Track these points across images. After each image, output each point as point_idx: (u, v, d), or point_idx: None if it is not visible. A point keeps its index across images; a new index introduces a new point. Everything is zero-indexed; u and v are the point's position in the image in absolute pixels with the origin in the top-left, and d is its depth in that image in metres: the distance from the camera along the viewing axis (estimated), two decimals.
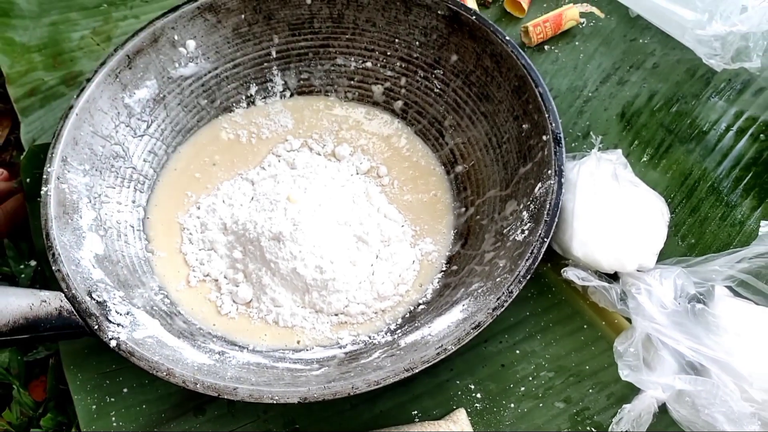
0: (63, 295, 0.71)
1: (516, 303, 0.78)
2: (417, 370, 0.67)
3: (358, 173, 0.90)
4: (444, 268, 0.83)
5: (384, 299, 0.80)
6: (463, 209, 0.87)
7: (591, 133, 0.88)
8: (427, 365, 0.67)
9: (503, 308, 0.69)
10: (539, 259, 0.71)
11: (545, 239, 0.72)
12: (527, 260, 0.71)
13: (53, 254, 0.73)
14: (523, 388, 0.74)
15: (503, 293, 0.70)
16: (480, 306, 0.72)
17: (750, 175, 0.84)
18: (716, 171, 0.84)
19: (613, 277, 0.77)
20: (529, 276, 0.70)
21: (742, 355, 0.66)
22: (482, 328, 0.68)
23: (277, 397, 0.66)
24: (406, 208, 0.87)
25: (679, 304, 0.71)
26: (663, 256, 0.79)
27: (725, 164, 0.84)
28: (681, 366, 0.68)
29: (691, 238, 0.81)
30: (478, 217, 0.84)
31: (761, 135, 0.85)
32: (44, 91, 1.00)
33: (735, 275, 0.74)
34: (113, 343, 0.68)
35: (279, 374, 0.72)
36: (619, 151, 0.81)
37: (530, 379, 0.75)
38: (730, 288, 0.74)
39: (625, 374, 0.69)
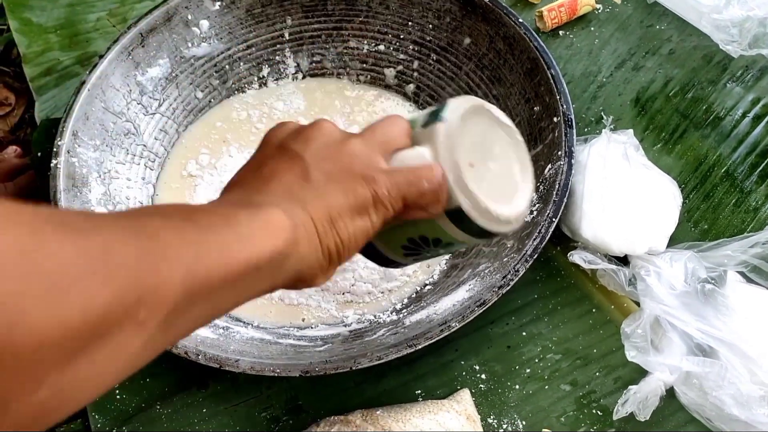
0: None
1: (524, 285, 0.78)
2: (420, 347, 0.66)
3: None
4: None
5: (391, 279, 0.80)
6: None
7: (602, 114, 0.87)
8: (431, 342, 0.66)
9: (509, 287, 0.68)
10: (546, 239, 0.70)
11: (553, 219, 0.71)
12: (534, 240, 0.71)
13: None
14: (528, 370, 0.73)
15: (509, 272, 0.69)
16: (486, 285, 0.71)
17: (766, 161, 0.82)
18: (731, 157, 0.83)
19: (624, 261, 0.76)
20: (535, 255, 0.70)
21: (751, 337, 0.65)
22: (487, 306, 0.68)
23: (278, 370, 0.66)
24: None
25: (689, 286, 0.69)
26: (675, 242, 0.77)
27: (740, 150, 0.83)
28: (689, 348, 0.67)
29: (704, 223, 0.80)
30: None
31: None
32: (59, 71, 1.01)
33: (748, 260, 0.72)
34: None
35: (282, 350, 0.72)
36: (630, 131, 0.80)
37: (536, 361, 0.74)
38: (742, 273, 0.73)
39: (631, 356, 0.68)
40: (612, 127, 0.82)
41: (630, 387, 0.67)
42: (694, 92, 0.87)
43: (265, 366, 0.66)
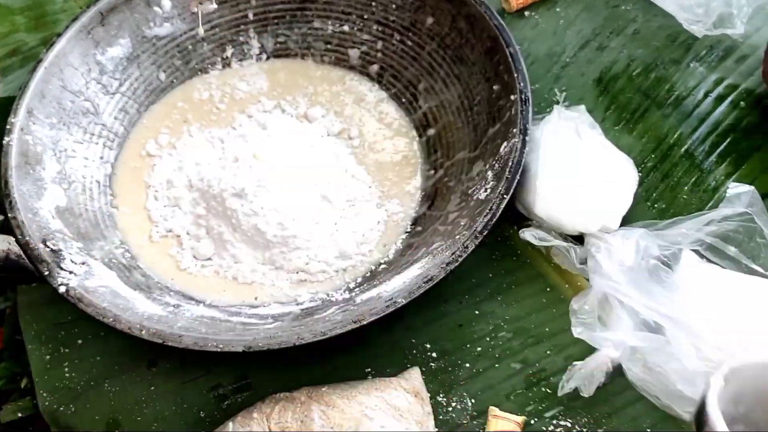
0: (12, 239, 0.71)
1: (478, 264, 0.77)
2: (365, 322, 0.66)
3: (329, 134, 0.89)
4: (409, 229, 0.82)
5: (346, 258, 0.79)
6: (432, 171, 0.85)
7: (555, 90, 0.86)
8: (376, 317, 0.66)
9: (457, 263, 0.68)
10: (497, 215, 0.70)
11: (505, 196, 0.71)
12: (485, 216, 0.70)
13: (10, 202, 0.73)
14: (479, 348, 0.73)
15: (458, 248, 0.69)
16: (436, 262, 0.70)
17: (727, 141, 0.81)
18: (692, 136, 0.82)
19: (579, 240, 0.75)
20: (485, 232, 0.69)
21: (698, 313, 0.64)
22: (434, 282, 0.67)
23: (221, 346, 0.66)
24: (375, 169, 0.86)
25: (639, 264, 0.68)
26: (632, 221, 0.77)
27: (702, 130, 0.82)
28: (637, 325, 0.66)
29: (662, 203, 0.79)
30: (446, 179, 0.83)
31: (741, 102, 0.83)
32: (24, 52, 1.00)
33: (702, 239, 0.72)
34: (62, 289, 0.68)
35: (231, 327, 0.72)
36: (582, 107, 0.79)
37: (488, 339, 0.73)
38: (697, 252, 0.72)
39: (578, 332, 0.67)
40: (566, 104, 0.81)
41: (575, 363, 0.66)
42: (657, 72, 0.86)
43: (209, 342, 0.66)
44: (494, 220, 0.69)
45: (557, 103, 0.79)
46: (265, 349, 0.65)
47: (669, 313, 0.64)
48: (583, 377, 0.65)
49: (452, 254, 0.68)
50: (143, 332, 0.66)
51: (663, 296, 0.65)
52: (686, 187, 0.79)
